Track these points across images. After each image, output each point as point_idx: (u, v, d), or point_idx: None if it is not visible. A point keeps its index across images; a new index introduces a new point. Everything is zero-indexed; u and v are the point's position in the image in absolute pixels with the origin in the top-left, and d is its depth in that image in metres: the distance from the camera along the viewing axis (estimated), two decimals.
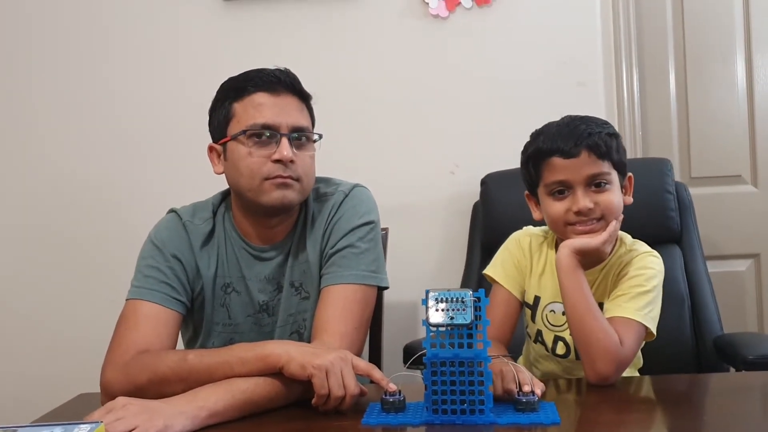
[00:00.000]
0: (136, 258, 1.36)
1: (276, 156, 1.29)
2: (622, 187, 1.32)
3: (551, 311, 1.36)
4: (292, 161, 1.30)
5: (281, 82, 1.34)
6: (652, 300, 1.27)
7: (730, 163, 2.21)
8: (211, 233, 1.38)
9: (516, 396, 1.04)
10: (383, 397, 1.07)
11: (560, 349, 1.36)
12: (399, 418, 1.04)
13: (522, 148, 1.38)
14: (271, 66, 1.37)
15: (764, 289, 2.21)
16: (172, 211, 1.42)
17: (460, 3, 2.10)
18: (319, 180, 1.43)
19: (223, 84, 1.39)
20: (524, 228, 1.46)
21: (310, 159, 1.36)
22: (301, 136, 1.34)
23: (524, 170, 1.36)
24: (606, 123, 1.33)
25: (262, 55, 2.09)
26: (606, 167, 1.27)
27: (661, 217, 1.77)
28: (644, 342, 1.30)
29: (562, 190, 1.28)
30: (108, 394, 1.17)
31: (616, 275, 1.32)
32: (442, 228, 2.08)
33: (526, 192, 1.39)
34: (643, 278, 1.27)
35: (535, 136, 1.34)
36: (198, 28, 2.18)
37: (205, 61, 2.15)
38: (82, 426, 0.89)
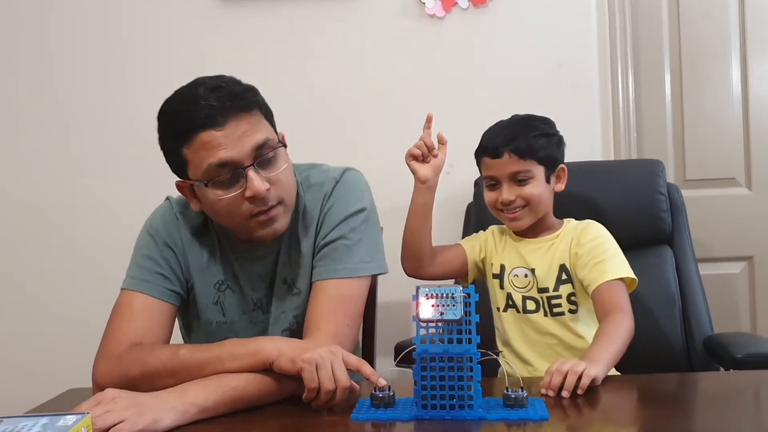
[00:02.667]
0: (127, 253, 1.36)
1: (248, 193, 1.19)
2: (554, 177, 1.52)
3: (515, 275, 1.54)
4: (267, 190, 1.21)
5: (219, 110, 1.17)
6: (618, 252, 1.46)
7: (724, 166, 2.22)
8: (203, 227, 1.37)
9: (505, 392, 1.04)
10: (373, 392, 1.07)
11: (530, 305, 1.51)
12: (388, 414, 1.04)
13: None
14: (217, 74, 1.24)
15: (757, 291, 2.21)
16: (168, 198, 1.41)
17: (456, 3, 2.10)
18: (308, 167, 1.39)
19: (162, 122, 1.26)
20: None
21: (285, 172, 1.24)
22: (266, 153, 1.21)
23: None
24: (544, 122, 1.52)
25: (258, 54, 2.11)
26: (528, 165, 1.47)
27: (653, 218, 1.77)
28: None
29: (493, 184, 1.52)
30: (99, 385, 1.17)
31: (576, 239, 1.49)
32: (436, 228, 2.05)
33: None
34: (606, 242, 1.47)
35: (483, 134, 1.54)
36: (193, 28, 2.18)
37: (201, 60, 2.14)
38: (68, 417, 0.89)
